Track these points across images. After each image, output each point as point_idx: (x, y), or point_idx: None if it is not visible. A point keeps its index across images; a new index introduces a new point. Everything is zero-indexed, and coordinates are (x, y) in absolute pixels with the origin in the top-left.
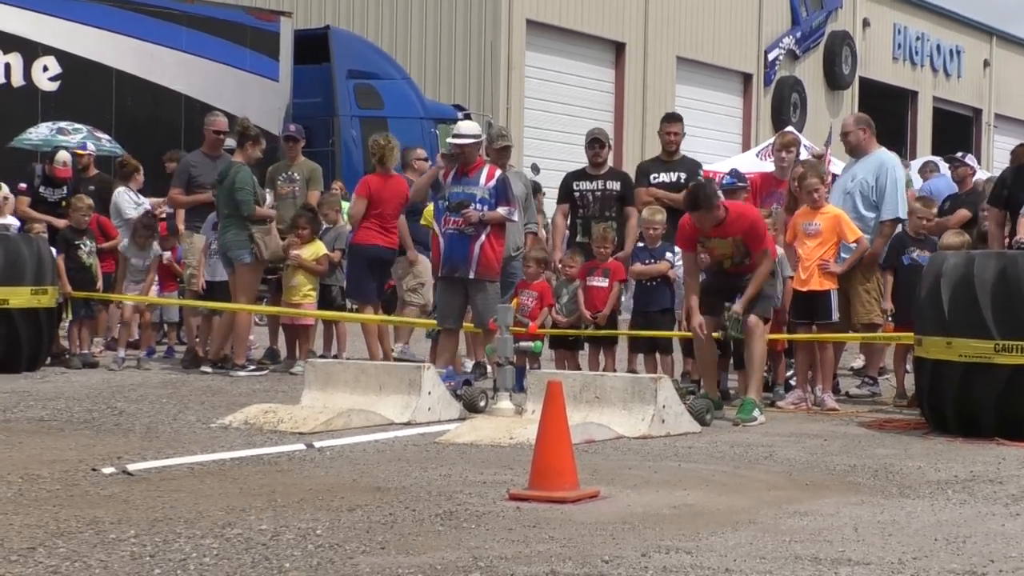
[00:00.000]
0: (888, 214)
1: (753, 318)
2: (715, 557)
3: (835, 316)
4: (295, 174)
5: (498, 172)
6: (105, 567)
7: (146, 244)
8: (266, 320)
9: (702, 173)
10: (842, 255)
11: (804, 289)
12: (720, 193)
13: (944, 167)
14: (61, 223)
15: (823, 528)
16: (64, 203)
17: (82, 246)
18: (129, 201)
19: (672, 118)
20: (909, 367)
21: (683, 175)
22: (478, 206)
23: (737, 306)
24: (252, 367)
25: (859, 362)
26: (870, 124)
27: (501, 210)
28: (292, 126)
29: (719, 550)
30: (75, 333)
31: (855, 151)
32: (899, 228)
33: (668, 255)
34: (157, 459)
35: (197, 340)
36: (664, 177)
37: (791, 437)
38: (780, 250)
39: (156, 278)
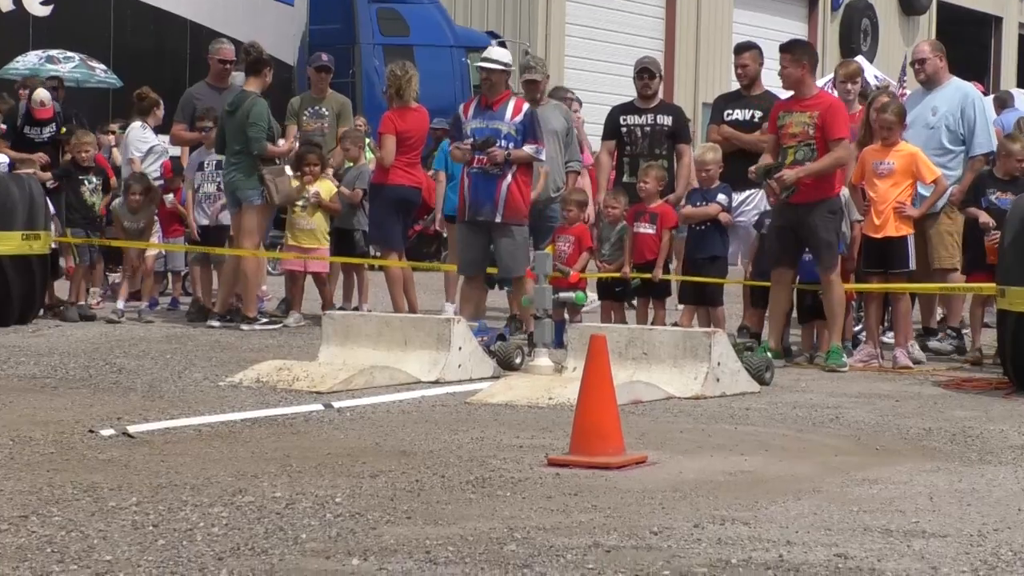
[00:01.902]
0: (980, 148)
1: (825, 276)
2: (775, 528)
3: (912, 264)
4: (324, 109)
5: (525, 106)
6: (104, 537)
7: (140, 208)
8: (281, 268)
9: None
10: (922, 193)
11: (878, 236)
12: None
13: (1020, 100)
14: (41, 159)
15: (895, 497)
16: (55, 141)
17: (86, 183)
18: (139, 139)
19: (742, 48)
20: (988, 320)
21: (758, 113)
22: (503, 143)
23: (791, 174)
24: (265, 320)
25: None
26: (944, 52)
27: (528, 148)
28: (324, 55)
29: (779, 521)
30: (79, 281)
31: (930, 81)
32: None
33: (721, 197)
34: (160, 420)
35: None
36: (738, 114)
37: (860, 398)
38: (846, 191)
39: (158, 223)
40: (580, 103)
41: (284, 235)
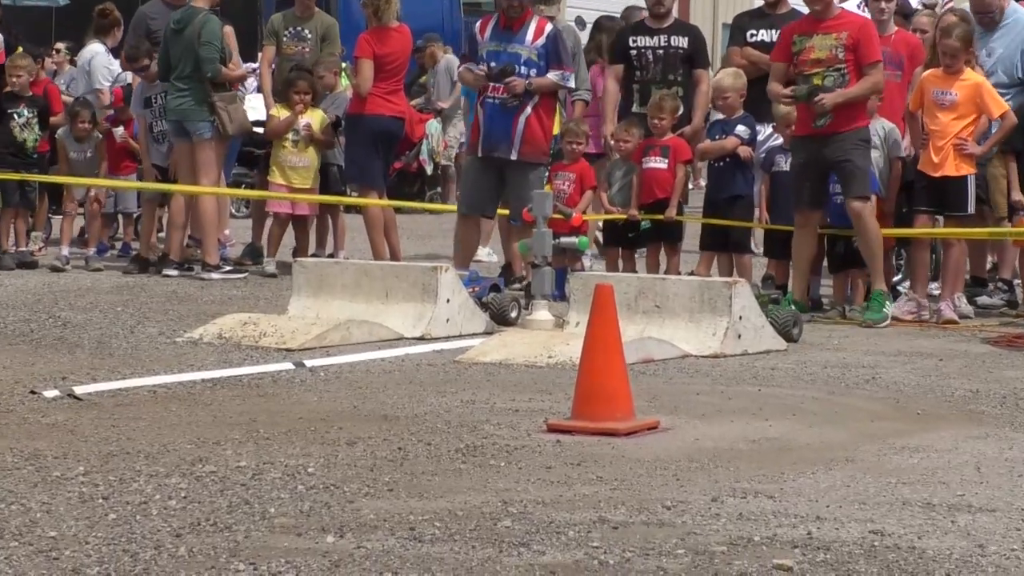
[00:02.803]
0: None
1: (856, 205)
2: (803, 503)
3: (971, 207)
4: (306, 31)
5: (548, 27)
6: (48, 511)
7: (87, 136)
8: (249, 209)
9: None
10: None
11: (935, 174)
12: None
13: None
14: None
15: (937, 467)
16: None
17: (16, 116)
18: (105, 66)
19: None
20: None
21: None
22: (523, 69)
23: (831, 97)
24: (227, 268)
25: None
26: None
27: (552, 75)
28: None
29: (808, 494)
30: (6, 225)
31: (990, 23)
32: None
33: (741, 128)
34: (111, 380)
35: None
36: (763, 35)
37: (899, 356)
38: (887, 122)
39: (105, 162)
40: (584, 24)
41: (271, 172)
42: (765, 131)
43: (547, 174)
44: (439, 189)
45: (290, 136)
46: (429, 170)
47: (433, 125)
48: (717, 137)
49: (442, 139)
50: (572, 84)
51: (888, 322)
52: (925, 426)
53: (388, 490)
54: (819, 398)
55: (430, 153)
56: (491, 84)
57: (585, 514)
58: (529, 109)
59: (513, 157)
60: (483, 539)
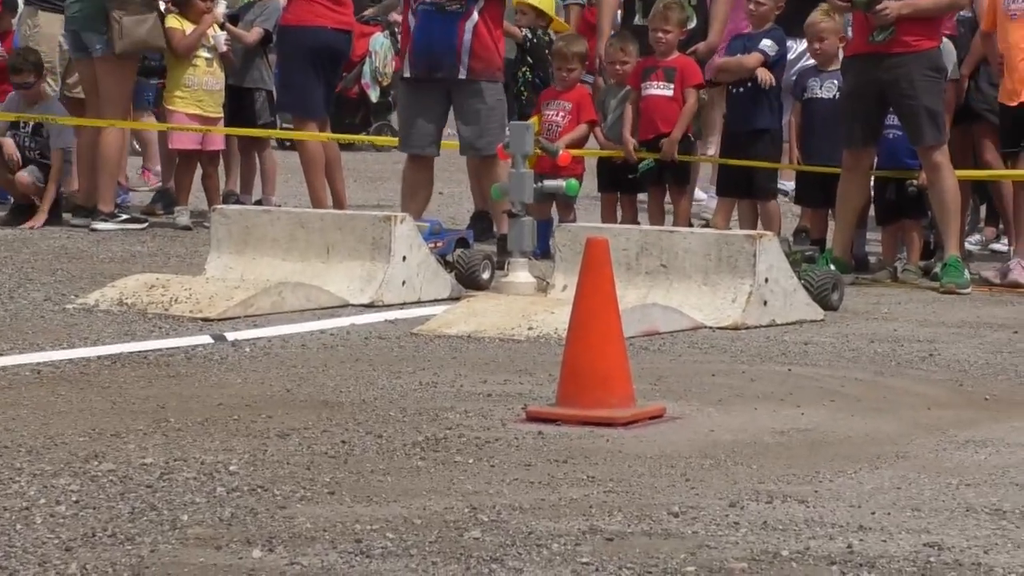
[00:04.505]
0: None
1: (934, 157)
2: (843, 508)
3: None
4: None
5: None
6: None
7: None
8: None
9: None
10: None
11: (1012, 103)
12: None
13: None
14: None
15: (1009, 465)
16: None
17: None
18: None
19: None
20: None
21: None
22: None
23: (895, 5)
24: (124, 217)
25: None
26: None
27: None
28: None
29: (849, 498)
30: None
31: None
32: None
33: (766, 43)
34: None
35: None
36: None
37: (963, 328)
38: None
39: None
40: None
41: (170, 99)
42: (796, 48)
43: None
44: (390, 119)
45: (202, 53)
46: (374, 96)
47: (379, 40)
48: (737, 55)
49: (392, 57)
50: None
51: (970, 288)
52: (994, 415)
53: (329, 493)
54: (863, 380)
55: (374, 74)
56: None
57: (573, 523)
58: (476, 15)
59: (462, 75)
60: (446, 553)
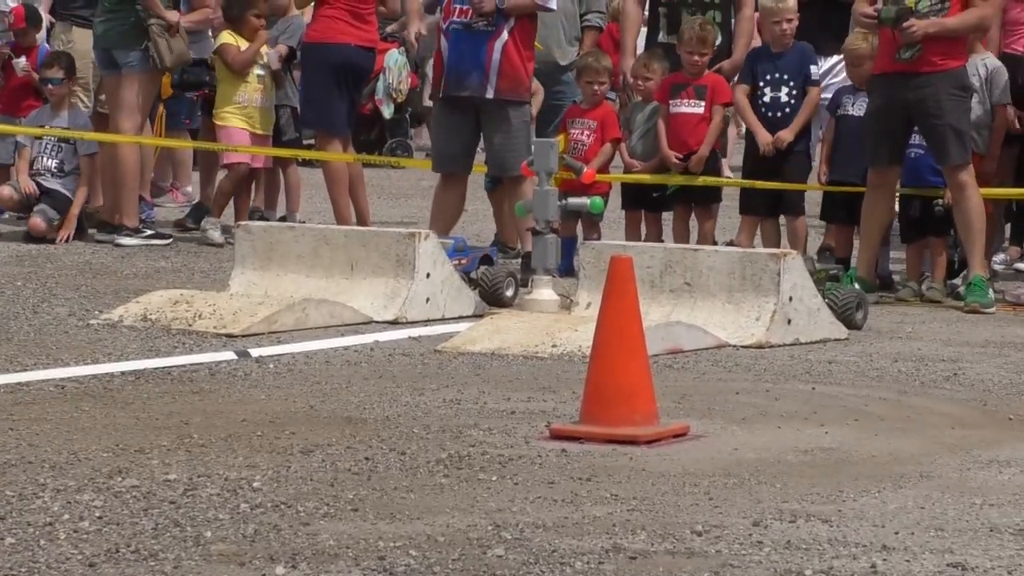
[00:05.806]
0: None
1: (960, 176)
2: (867, 528)
3: None
4: None
5: None
6: None
7: None
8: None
9: None
10: None
11: None
12: None
13: None
14: None
15: None
16: None
17: None
18: None
19: None
20: None
21: None
22: None
23: (923, 24)
24: (149, 232)
25: None
26: None
27: None
28: None
29: (873, 517)
30: None
31: None
32: None
33: (813, 70)
34: (9, 372)
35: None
36: None
37: (988, 347)
38: (992, 58)
39: None
40: None
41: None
42: (826, 64)
43: (560, 120)
44: (411, 136)
45: (255, 70)
46: (387, 113)
47: (393, 56)
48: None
49: (407, 73)
50: (554, 6)
51: (995, 308)
52: (1019, 434)
53: (352, 510)
54: (887, 399)
55: (387, 91)
56: (455, 6)
57: (596, 541)
58: (505, 34)
59: (489, 95)
60: (469, 571)
